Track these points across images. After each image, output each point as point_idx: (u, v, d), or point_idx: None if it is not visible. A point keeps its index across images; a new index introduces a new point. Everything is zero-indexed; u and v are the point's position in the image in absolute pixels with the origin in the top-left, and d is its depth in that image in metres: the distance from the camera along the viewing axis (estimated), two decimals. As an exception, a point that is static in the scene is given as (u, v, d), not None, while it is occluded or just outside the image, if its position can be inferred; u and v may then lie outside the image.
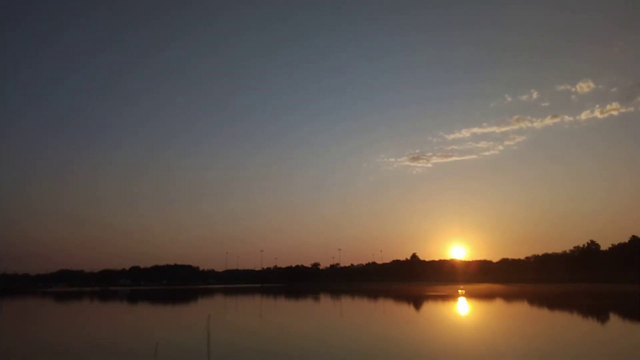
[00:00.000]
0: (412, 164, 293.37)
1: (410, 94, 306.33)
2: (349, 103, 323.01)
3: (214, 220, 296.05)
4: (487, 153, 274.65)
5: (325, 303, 62.44)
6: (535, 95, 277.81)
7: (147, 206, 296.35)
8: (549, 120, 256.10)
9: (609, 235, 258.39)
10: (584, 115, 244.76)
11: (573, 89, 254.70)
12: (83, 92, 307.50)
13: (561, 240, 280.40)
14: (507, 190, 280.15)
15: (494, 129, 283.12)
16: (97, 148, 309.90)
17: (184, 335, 27.55)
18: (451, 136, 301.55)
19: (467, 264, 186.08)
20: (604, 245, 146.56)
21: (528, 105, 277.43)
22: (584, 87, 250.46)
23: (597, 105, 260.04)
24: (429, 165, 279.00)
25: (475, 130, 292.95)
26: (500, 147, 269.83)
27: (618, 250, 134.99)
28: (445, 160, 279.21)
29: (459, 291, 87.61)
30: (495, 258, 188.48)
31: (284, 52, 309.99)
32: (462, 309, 46.52)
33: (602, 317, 36.28)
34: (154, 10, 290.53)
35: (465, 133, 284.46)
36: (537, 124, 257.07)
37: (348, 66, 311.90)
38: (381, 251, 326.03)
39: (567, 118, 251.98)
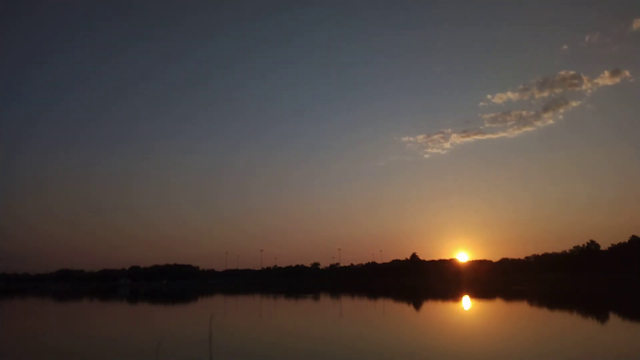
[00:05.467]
0: (426, 145, 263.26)
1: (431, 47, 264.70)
2: (358, 78, 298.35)
3: (213, 219, 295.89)
4: (517, 131, 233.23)
5: (325, 303, 62.37)
6: (596, 37, 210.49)
7: (146, 206, 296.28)
8: (601, 80, 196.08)
9: (609, 235, 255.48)
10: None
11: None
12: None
13: (562, 240, 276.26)
14: (516, 185, 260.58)
15: (534, 91, 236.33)
16: (95, 149, 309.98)
17: (185, 335, 27.54)
18: (481, 103, 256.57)
19: (468, 263, 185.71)
20: (604, 245, 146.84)
21: (584, 53, 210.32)
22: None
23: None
24: (448, 145, 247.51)
25: (510, 94, 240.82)
26: (539, 123, 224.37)
27: (618, 250, 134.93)
28: (466, 139, 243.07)
29: (462, 294, 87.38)
30: (495, 257, 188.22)
31: (272, 29, 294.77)
32: (467, 309, 46.49)
33: (601, 317, 36.27)
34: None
35: (498, 99, 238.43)
36: (587, 87, 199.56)
37: (351, 42, 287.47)
38: (381, 251, 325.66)
39: (630, 78, 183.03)
